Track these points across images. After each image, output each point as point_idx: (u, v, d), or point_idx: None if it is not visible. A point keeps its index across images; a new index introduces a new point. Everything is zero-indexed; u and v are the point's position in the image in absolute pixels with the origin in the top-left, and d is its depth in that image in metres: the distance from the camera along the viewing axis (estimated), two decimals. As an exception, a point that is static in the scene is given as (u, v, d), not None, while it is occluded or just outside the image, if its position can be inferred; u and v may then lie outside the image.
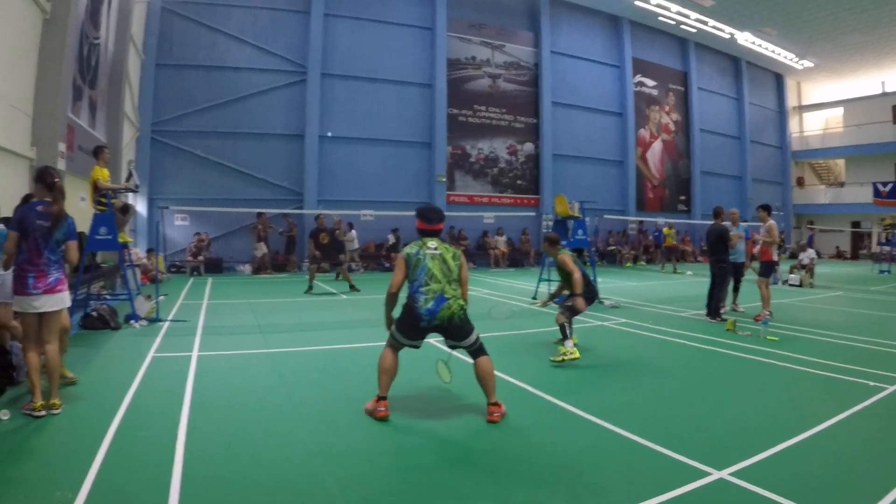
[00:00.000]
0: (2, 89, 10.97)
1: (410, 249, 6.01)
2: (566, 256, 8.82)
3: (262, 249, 23.53)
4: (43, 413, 5.62)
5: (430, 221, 6.19)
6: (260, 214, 22.95)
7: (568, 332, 8.25)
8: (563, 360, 8.00)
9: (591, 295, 8.98)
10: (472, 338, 5.98)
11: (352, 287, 17.04)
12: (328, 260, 18.01)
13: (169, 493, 4.07)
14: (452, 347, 6.17)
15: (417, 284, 5.84)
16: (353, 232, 24.07)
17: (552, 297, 9.97)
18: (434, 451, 5.01)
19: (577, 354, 8.07)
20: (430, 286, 5.80)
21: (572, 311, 8.46)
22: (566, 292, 9.13)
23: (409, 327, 5.95)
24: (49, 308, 5.92)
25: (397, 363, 6.00)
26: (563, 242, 15.85)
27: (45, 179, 6.01)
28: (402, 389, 6.47)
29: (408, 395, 6.46)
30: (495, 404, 5.83)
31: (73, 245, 6.27)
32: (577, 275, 8.46)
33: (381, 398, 5.81)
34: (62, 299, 6.05)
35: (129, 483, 4.26)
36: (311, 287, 16.93)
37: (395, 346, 6.05)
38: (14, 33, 11.45)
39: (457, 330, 5.91)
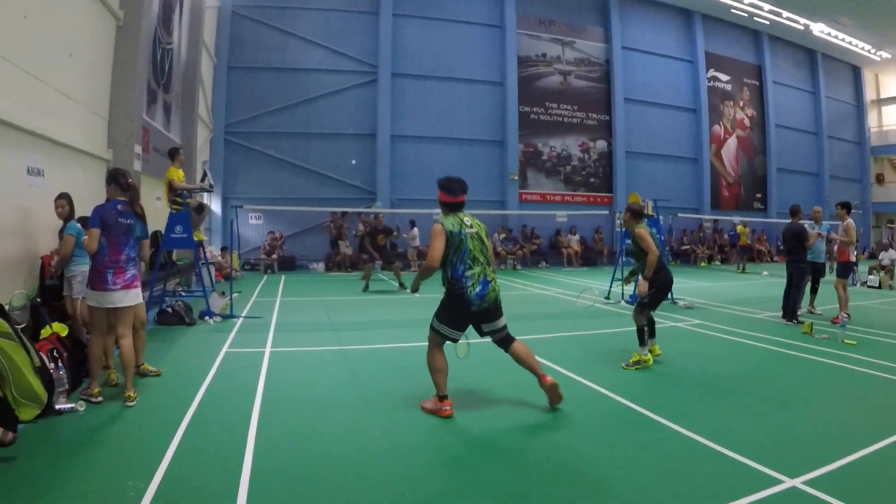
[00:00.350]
0: (79, 94, 10.81)
1: (451, 227, 5.57)
2: (644, 231, 7.71)
3: (347, 248, 22.95)
4: (100, 399, 5.87)
5: (452, 193, 5.76)
6: (344, 214, 22.39)
7: (645, 336, 7.59)
8: (637, 367, 7.46)
9: (666, 283, 7.93)
10: (504, 319, 5.84)
11: (401, 285, 16.71)
12: (383, 259, 17.49)
13: (239, 485, 4.05)
14: (483, 334, 5.91)
15: (463, 268, 5.55)
16: (415, 230, 23.21)
17: (632, 273, 9.05)
18: (502, 450, 4.88)
19: (650, 362, 7.60)
20: (473, 269, 5.55)
21: (648, 306, 7.73)
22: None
23: (457, 316, 5.65)
24: (125, 303, 6.08)
25: (446, 360, 5.74)
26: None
27: (119, 180, 6.21)
28: (468, 388, 6.49)
29: (472, 394, 6.35)
30: (545, 375, 5.78)
31: (146, 243, 6.49)
32: (652, 255, 7.49)
33: (443, 397, 5.61)
34: (137, 295, 6.23)
35: (200, 475, 4.25)
36: (367, 287, 16.64)
37: (439, 342, 5.73)
38: (89, 40, 11.34)
39: (495, 311, 5.74)
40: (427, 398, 5.88)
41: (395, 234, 18.11)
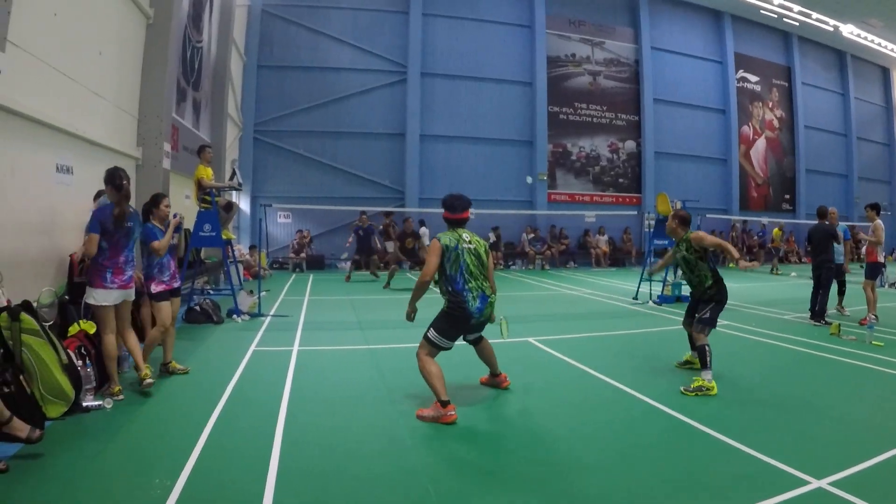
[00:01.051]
0: (109, 92, 10.58)
1: (448, 241, 5.69)
2: (700, 232, 7.01)
3: (390, 247, 22.68)
4: (121, 397, 5.86)
5: (454, 210, 5.86)
6: (388, 214, 22.08)
7: (708, 358, 6.43)
8: (698, 394, 6.22)
9: (724, 295, 6.96)
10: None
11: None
12: (411, 261, 17.79)
13: (265, 483, 3.98)
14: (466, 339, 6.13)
15: (462, 282, 5.64)
16: (424, 229, 22.73)
17: (661, 265, 8.45)
18: (525, 449, 4.79)
19: (715, 391, 6.26)
20: (471, 283, 5.63)
21: (711, 321, 6.76)
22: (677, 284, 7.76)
23: (455, 328, 5.72)
24: (120, 301, 6.11)
25: (438, 364, 5.68)
26: (666, 242, 14.70)
27: (114, 182, 6.10)
28: (489, 390, 6.41)
29: (494, 395, 6.26)
30: (500, 374, 6.28)
31: (152, 245, 6.78)
32: (726, 244, 6.86)
33: (445, 402, 5.37)
34: (130, 294, 6.24)
35: (227, 472, 4.20)
36: (388, 284, 16.89)
37: (431, 351, 5.71)
38: (119, 38, 11.11)
39: (485, 324, 5.91)
40: (453, 397, 5.75)
41: (419, 242, 18.45)
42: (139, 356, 6.25)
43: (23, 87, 7.56)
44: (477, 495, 3.90)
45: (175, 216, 7.21)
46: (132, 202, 10.62)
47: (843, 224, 12.49)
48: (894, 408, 5.94)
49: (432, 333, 5.71)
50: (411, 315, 5.99)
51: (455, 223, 5.87)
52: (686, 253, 6.92)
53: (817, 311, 11.06)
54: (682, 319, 7.50)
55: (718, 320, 6.89)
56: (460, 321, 5.68)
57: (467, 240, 5.75)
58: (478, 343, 6.21)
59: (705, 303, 6.82)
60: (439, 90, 25.56)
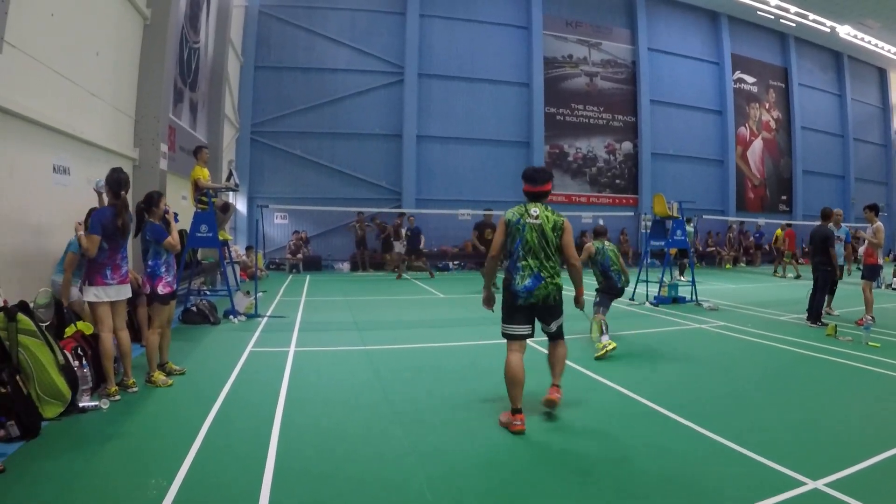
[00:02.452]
0: (106, 92, 10.66)
1: (511, 216, 5.38)
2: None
3: (399, 248, 22.70)
4: (117, 398, 5.82)
5: (534, 182, 5.47)
6: (401, 215, 22.04)
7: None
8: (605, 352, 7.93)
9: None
10: (560, 321, 5.53)
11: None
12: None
13: (262, 484, 3.98)
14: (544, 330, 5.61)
15: (515, 258, 5.32)
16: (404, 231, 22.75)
17: None
18: (526, 452, 4.73)
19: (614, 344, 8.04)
20: (527, 261, 5.26)
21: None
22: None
23: (509, 310, 5.34)
24: (120, 297, 6.18)
25: (523, 368, 5.23)
26: (662, 242, 14.78)
27: (113, 188, 6.20)
28: (492, 394, 6.22)
29: (497, 399, 6.00)
30: (557, 386, 5.57)
31: (167, 243, 6.74)
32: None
33: (515, 411, 5.14)
34: (127, 291, 6.29)
35: (223, 473, 4.19)
36: (400, 275, 18.16)
37: (510, 346, 5.35)
38: (117, 39, 11.17)
39: (550, 311, 5.41)
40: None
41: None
42: (129, 360, 6.30)
43: (20, 87, 7.57)
44: (473, 497, 3.89)
45: (166, 212, 7.17)
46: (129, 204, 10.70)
47: (844, 226, 12.48)
48: (890, 409, 5.95)
49: (503, 325, 5.43)
50: (488, 301, 5.66)
51: (532, 196, 5.45)
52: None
53: (813, 312, 11.11)
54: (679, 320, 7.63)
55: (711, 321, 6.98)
56: (509, 301, 5.35)
57: (534, 214, 5.30)
58: (552, 340, 5.67)
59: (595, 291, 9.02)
60: (436, 91, 25.55)
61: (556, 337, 5.63)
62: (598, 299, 9.09)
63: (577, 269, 5.44)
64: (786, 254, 24.08)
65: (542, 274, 5.25)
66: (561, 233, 5.35)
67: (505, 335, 5.40)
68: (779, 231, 25.48)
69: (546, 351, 5.84)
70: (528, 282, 5.23)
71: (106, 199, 6.47)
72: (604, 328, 8.30)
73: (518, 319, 5.33)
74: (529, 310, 5.33)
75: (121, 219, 6.10)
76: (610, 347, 7.95)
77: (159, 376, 6.46)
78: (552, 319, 5.48)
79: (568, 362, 7.54)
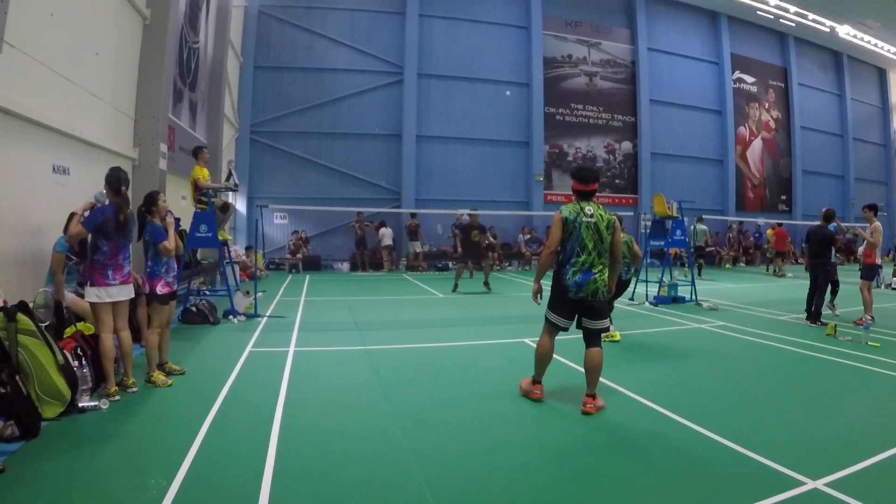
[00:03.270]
0: (106, 93, 10.66)
1: (568, 214, 5.59)
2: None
3: (415, 248, 22.74)
4: (117, 398, 5.82)
5: (585, 182, 5.74)
6: (413, 215, 21.99)
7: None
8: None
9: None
10: (607, 321, 5.83)
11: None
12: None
13: (261, 484, 3.99)
14: (581, 327, 5.81)
15: (569, 254, 5.56)
16: (385, 230, 22.72)
17: None
18: (525, 453, 4.71)
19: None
20: (580, 258, 5.51)
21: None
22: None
23: (558, 302, 5.67)
24: (122, 297, 6.14)
25: (553, 349, 5.90)
26: (662, 242, 14.78)
27: (113, 185, 6.20)
28: (495, 391, 6.39)
29: (503, 397, 6.20)
30: (592, 396, 5.61)
31: (162, 246, 6.63)
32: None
33: (536, 381, 5.91)
34: (130, 291, 6.25)
35: (222, 473, 4.19)
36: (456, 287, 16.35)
37: (550, 330, 5.82)
38: (116, 39, 11.17)
39: (597, 309, 5.64)
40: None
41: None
42: (130, 360, 6.29)
43: (20, 87, 7.57)
44: (474, 499, 3.89)
45: (168, 213, 7.15)
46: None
47: (832, 225, 12.46)
48: (890, 408, 5.95)
49: (547, 310, 5.82)
50: (536, 294, 5.99)
51: (581, 195, 5.74)
52: None
53: (813, 312, 11.10)
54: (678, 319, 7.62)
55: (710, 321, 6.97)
56: (558, 294, 5.66)
57: (589, 213, 5.57)
58: (588, 344, 5.75)
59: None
60: (436, 91, 25.55)
61: (592, 341, 5.74)
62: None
63: (637, 259, 6.88)
64: (769, 251, 24.13)
65: (593, 270, 5.52)
66: (613, 231, 5.64)
67: (548, 321, 5.81)
68: (769, 231, 25.52)
69: (554, 355, 6.09)
70: (578, 277, 5.51)
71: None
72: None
73: (564, 312, 5.70)
74: (577, 304, 5.63)
75: (122, 214, 6.06)
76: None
77: (159, 376, 6.46)
78: (597, 317, 5.69)
79: (565, 362, 7.59)
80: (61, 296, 7.05)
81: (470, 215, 17.02)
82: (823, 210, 11.91)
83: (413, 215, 22.66)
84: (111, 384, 5.90)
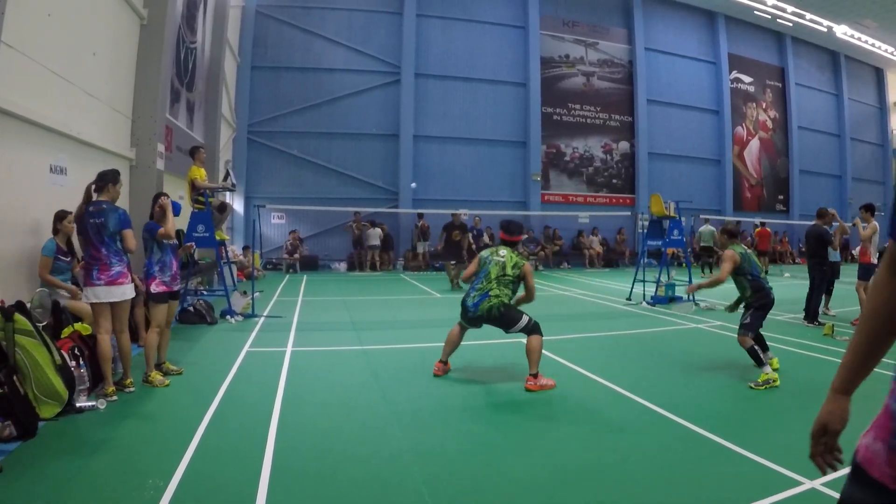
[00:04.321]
0: (103, 92, 10.62)
1: (486, 253, 7.03)
2: (731, 253, 7.25)
3: (423, 247, 22.76)
4: (114, 398, 5.82)
5: (510, 233, 7.13)
6: (420, 215, 22.05)
7: (759, 354, 6.84)
8: (767, 386, 6.56)
9: (767, 304, 7.28)
10: (521, 325, 6.65)
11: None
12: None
13: (259, 484, 3.99)
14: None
15: (475, 283, 6.87)
16: (375, 230, 22.65)
17: (737, 302, 7.75)
18: (523, 452, 4.74)
19: (777, 380, 6.66)
20: (482, 285, 6.75)
21: (752, 325, 7.12)
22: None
23: (463, 313, 6.94)
24: (111, 299, 5.99)
25: (461, 338, 7.14)
26: (659, 242, 14.80)
27: (96, 182, 6.24)
28: (495, 391, 6.54)
29: (500, 396, 6.33)
30: (534, 375, 6.46)
31: (127, 234, 6.16)
32: (719, 278, 7.34)
33: (442, 361, 7.07)
34: (123, 292, 6.09)
35: (219, 474, 4.20)
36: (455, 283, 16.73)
37: (461, 324, 7.07)
38: (113, 39, 11.13)
39: (500, 321, 6.72)
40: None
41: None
42: (129, 361, 6.26)
43: (17, 87, 7.57)
44: (472, 500, 3.90)
45: (163, 196, 7.05)
46: (126, 203, 10.70)
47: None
48: (887, 409, 5.93)
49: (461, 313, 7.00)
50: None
51: (505, 243, 7.08)
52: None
53: (810, 312, 11.10)
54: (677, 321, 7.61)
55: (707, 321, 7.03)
56: (463, 310, 6.92)
57: (502, 255, 6.87)
58: (527, 335, 6.69)
59: (746, 309, 7.32)
60: (433, 91, 25.55)
61: (530, 333, 6.66)
62: (748, 319, 7.15)
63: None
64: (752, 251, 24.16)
65: (490, 293, 6.70)
66: (520, 272, 6.84)
67: (460, 319, 7.06)
68: (755, 230, 25.54)
69: (552, 355, 6.61)
70: (476, 300, 6.75)
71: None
72: (761, 356, 6.89)
73: (464, 318, 7.00)
74: (478, 320, 6.86)
75: (78, 209, 6.10)
76: (773, 378, 6.63)
77: (156, 376, 6.45)
78: (509, 326, 6.75)
79: (563, 361, 7.63)
80: (62, 293, 7.07)
81: (453, 215, 17.47)
82: (818, 209, 11.84)
83: (420, 216, 22.69)
84: (108, 384, 5.89)
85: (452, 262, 16.90)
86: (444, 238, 16.82)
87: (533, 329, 6.64)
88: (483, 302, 6.66)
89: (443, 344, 7.12)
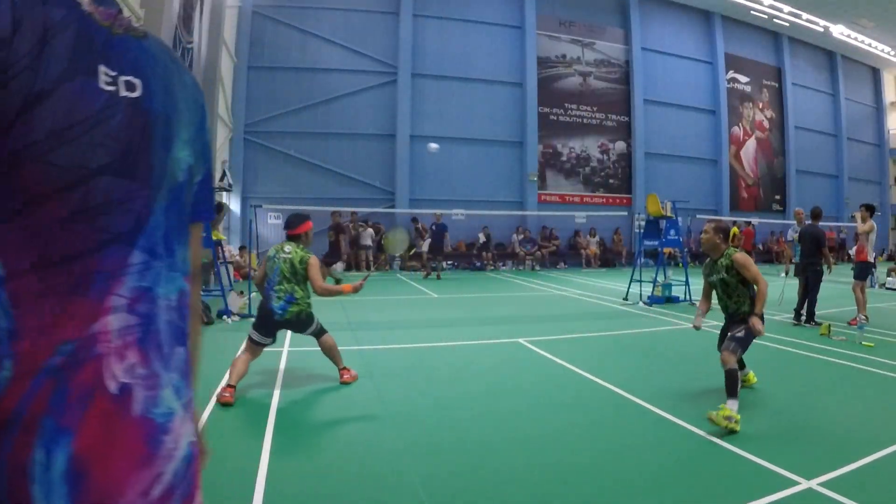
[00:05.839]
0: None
1: (271, 252, 6.60)
2: (746, 257, 5.91)
3: (424, 247, 22.77)
4: None
5: (289, 227, 6.68)
6: (415, 219, 22.13)
7: (738, 385, 5.41)
8: (727, 425, 4.99)
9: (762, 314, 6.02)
10: (312, 328, 6.57)
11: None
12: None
13: (255, 484, 3.98)
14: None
15: (271, 284, 6.39)
16: (368, 230, 22.71)
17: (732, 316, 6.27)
18: (520, 452, 4.70)
19: (739, 427, 5.01)
20: (282, 286, 6.33)
21: (746, 342, 5.80)
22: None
23: (264, 323, 6.37)
24: None
25: (247, 366, 6.26)
26: (656, 242, 14.84)
27: None
28: (491, 389, 6.53)
29: (497, 396, 6.30)
30: (344, 369, 6.67)
31: None
32: (762, 284, 5.83)
33: (229, 385, 5.95)
34: None
35: (216, 473, 4.04)
36: (427, 274, 17.79)
37: (252, 347, 6.37)
38: (110, 40, 10.99)
39: (301, 325, 6.49)
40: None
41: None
42: None
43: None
44: (468, 498, 3.90)
45: None
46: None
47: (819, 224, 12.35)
48: (885, 408, 5.96)
49: (251, 329, 6.43)
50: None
51: (288, 238, 6.65)
52: (726, 275, 5.99)
53: (807, 312, 11.05)
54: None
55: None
56: (264, 317, 6.40)
57: (287, 251, 6.42)
58: (318, 338, 6.66)
59: (742, 321, 5.95)
60: (429, 91, 25.60)
61: (319, 335, 6.63)
62: (741, 333, 5.91)
63: (761, 291, 5.86)
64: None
65: (294, 296, 6.35)
66: (306, 266, 6.38)
67: (252, 340, 6.38)
68: (735, 229, 25.46)
69: (549, 355, 6.11)
70: (281, 303, 6.33)
71: None
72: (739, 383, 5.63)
73: (266, 332, 6.41)
74: (282, 325, 6.44)
75: None
76: (735, 419, 5.07)
77: None
78: (305, 329, 6.55)
79: (559, 361, 7.64)
80: None
81: (436, 215, 18.16)
82: (812, 209, 11.73)
83: (415, 220, 22.79)
84: None
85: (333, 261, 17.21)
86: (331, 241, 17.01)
87: (322, 331, 6.67)
88: (290, 307, 6.35)
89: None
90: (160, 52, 1.25)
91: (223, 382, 6.03)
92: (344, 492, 3.95)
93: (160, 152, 1.19)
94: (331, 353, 6.64)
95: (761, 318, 5.87)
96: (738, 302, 6.04)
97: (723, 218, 27.31)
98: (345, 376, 6.61)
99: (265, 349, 6.50)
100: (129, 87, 1.13)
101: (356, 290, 6.32)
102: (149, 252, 1.16)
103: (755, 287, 5.90)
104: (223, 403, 5.72)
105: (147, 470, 1.09)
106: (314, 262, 6.46)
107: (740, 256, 5.88)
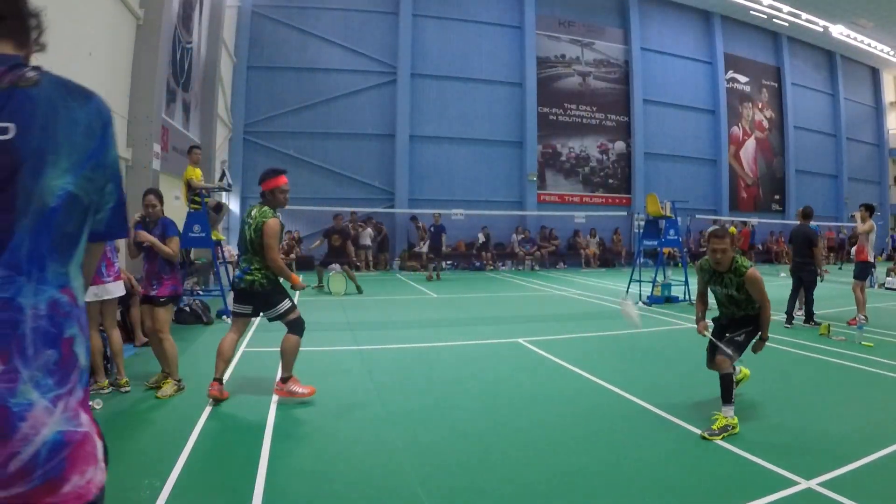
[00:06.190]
0: (99, 93, 10.46)
1: (243, 215, 6.06)
2: (758, 274, 5.43)
3: (424, 247, 22.76)
4: (109, 390, 6.00)
5: (261, 180, 6.02)
6: (413, 218, 22.10)
7: (733, 391, 5.28)
8: (724, 436, 4.93)
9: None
10: (280, 310, 5.88)
11: (358, 289, 15.73)
12: (337, 259, 16.90)
13: (255, 484, 3.97)
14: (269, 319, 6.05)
15: (240, 251, 6.08)
16: (367, 230, 22.73)
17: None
18: (518, 451, 4.71)
19: (738, 428, 5.04)
20: (245, 255, 5.84)
21: (743, 347, 5.52)
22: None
23: (235, 292, 6.09)
24: (116, 294, 6.27)
25: (233, 348, 5.94)
26: (655, 242, 14.86)
27: None
28: (490, 393, 6.42)
29: (497, 396, 6.28)
30: (283, 380, 5.87)
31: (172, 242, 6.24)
32: (768, 306, 5.52)
33: (215, 379, 5.76)
34: (121, 286, 6.39)
35: (216, 473, 4.24)
36: (319, 284, 16.75)
37: (235, 320, 6.05)
38: (109, 39, 11.20)
39: (261, 300, 5.86)
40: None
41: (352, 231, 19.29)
42: (121, 359, 6.31)
43: (12, 88, 7.56)
44: (467, 497, 3.90)
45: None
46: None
47: (813, 224, 12.27)
48: (884, 408, 5.96)
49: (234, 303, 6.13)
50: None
51: (260, 195, 6.03)
52: (736, 293, 5.58)
53: (806, 312, 11.05)
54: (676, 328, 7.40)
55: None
56: (233, 284, 6.20)
57: (253, 215, 5.84)
58: (287, 332, 6.04)
59: (743, 324, 5.66)
60: (429, 91, 25.62)
61: (289, 330, 5.99)
62: (742, 337, 5.66)
63: (767, 316, 5.44)
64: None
65: (250, 266, 5.78)
66: (258, 234, 5.74)
67: (234, 312, 6.09)
68: (732, 229, 25.47)
69: (548, 354, 6.09)
70: (239, 271, 5.94)
71: None
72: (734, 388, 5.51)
73: (237, 300, 6.02)
74: (242, 294, 5.91)
75: None
76: (732, 425, 5.09)
77: (167, 388, 6.10)
78: (268, 308, 5.89)
79: (559, 361, 7.65)
80: None
81: (435, 216, 18.24)
82: (801, 209, 11.69)
83: (413, 218, 22.82)
84: (101, 378, 6.01)
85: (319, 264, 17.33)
86: (328, 243, 16.81)
87: (293, 325, 5.97)
88: (246, 274, 5.77)
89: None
90: (50, 96, 1.51)
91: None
92: (343, 491, 3.94)
93: (27, 182, 1.40)
94: (284, 354, 5.91)
95: (746, 321, 5.67)
96: (744, 310, 5.66)
97: (722, 218, 27.46)
98: (278, 387, 5.94)
99: (263, 346, 6.42)
100: (3, 131, 1.39)
101: (298, 287, 6.15)
102: (12, 268, 1.37)
103: (759, 305, 5.54)
104: (213, 398, 5.65)
105: (1, 448, 1.28)
106: (271, 224, 5.73)
107: (753, 274, 5.41)
